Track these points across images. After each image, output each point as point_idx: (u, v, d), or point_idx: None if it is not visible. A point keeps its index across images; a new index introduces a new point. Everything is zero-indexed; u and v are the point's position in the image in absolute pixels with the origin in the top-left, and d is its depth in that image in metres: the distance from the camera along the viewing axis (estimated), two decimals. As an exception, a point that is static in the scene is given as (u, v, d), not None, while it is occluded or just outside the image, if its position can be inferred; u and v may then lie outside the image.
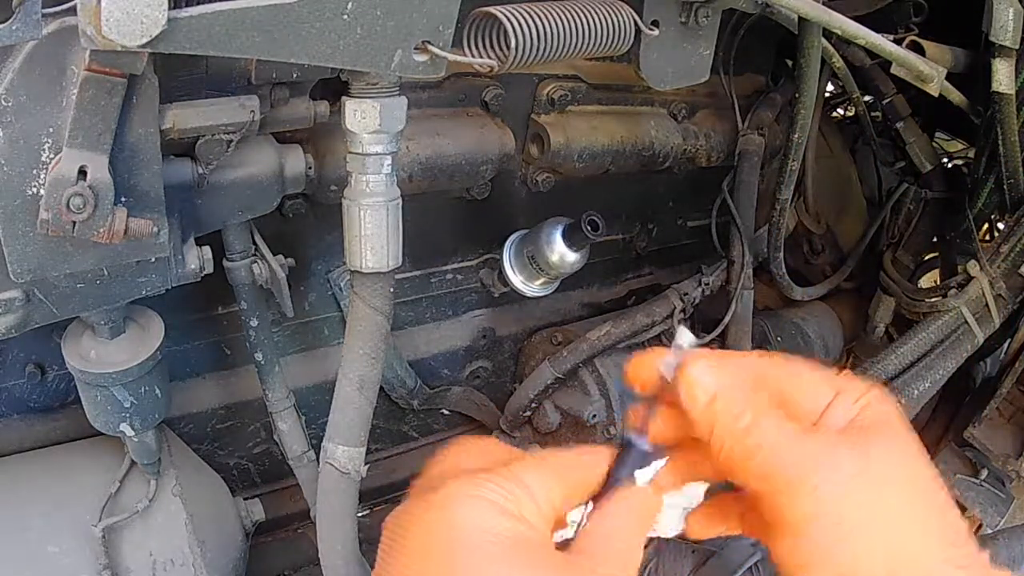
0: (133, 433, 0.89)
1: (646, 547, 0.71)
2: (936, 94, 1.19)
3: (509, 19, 0.73)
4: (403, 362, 1.27)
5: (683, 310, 1.38)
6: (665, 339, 1.41)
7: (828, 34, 1.17)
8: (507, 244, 1.25)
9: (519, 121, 1.17)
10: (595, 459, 0.55)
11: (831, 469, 0.48)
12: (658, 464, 0.56)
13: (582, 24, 0.78)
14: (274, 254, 0.98)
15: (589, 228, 1.13)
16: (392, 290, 0.86)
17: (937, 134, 1.71)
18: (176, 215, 0.76)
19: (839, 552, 0.48)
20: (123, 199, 0.65)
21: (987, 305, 1.33)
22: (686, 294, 1.38)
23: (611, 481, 0.55)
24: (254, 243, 0.96)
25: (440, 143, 1.06)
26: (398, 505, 0.52)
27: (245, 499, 1.10)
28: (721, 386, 0.52)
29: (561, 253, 1.18)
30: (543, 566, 0.48)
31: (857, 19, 1.01)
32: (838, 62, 1.33)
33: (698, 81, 0.97)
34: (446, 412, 1.43)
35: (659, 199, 1.51)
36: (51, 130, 0.61)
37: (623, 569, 0.51)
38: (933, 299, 1.38)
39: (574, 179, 1.26)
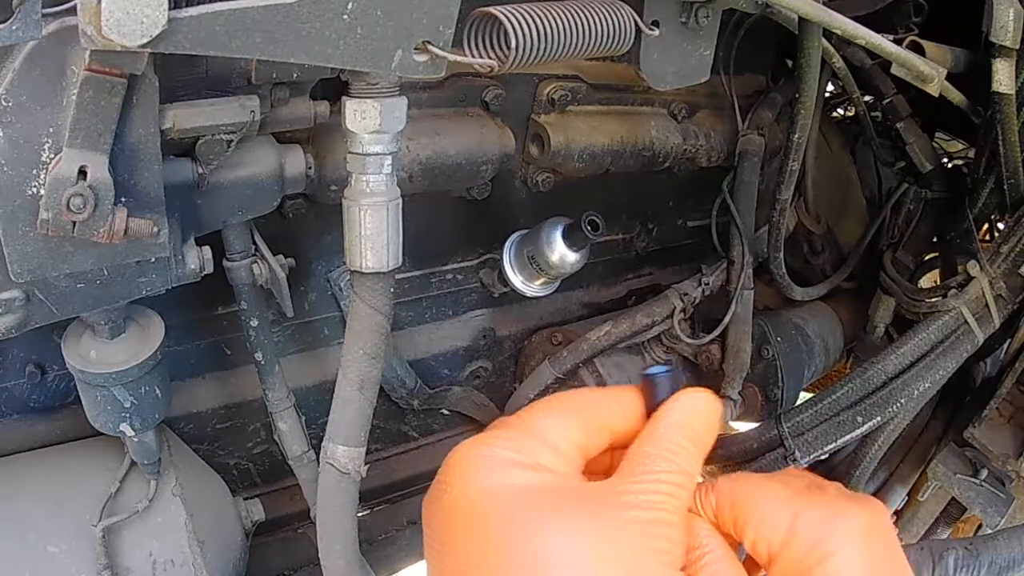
0: (133, 433, 0.89)
1: None
2: (936, 94, 1.19)
3: (509, 19, 0.73)
4: (403, 362, 1.27)
5: (683, 310, 1.38)
6: (665, 339, 1.41)
7: (828, 34, 1.17)
8: (507, 244, 1.25)
9: (519, 121, 1.17)
10: (614, 395, 0.55)
11: None
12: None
13: (582, 24, 0.78)
14: (274, 254, 0.98)
15: (589, 228, 1.13)
16: (392, 290, 0.86)
17: (937, 134, 1.71)
18: (176, 215, 0.76)
19: None
20: (123, 199, 0.65)
21: (987, 305, 1.33)
22: (686, 294, 1.38)
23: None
24: (254, 243, 0.96)
25: (440, 143, 1.06)
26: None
27: (245, 499, 1.10)
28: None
29: (561, 253, 1.18)
30: (568, 506, 0.47)
31: (857, 19, 1.01)
32: (838, 62, 1.33)
33: (698, 81, 0.97)
34: (446, 412, 1.43)
35: (659, 199, 1.51)
36: (51, 130, 0.61)
37: (664, 485, 0.49)
38: (933, 299, 1.38)
39: (574, 179, 1.26)
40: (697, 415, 0.54)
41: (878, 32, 1.04)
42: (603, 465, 0.57)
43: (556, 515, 0.46)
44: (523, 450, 0.50)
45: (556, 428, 0.52)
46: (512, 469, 0.48)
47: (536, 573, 0.44)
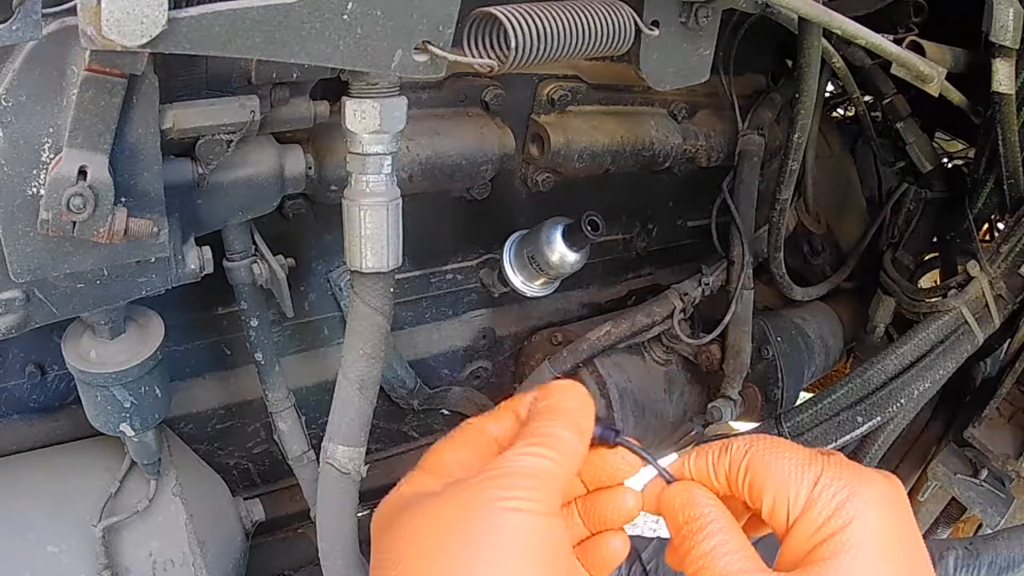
0: (133, 433, 0.89)
1: (645, 547, 0.72)
2: (936, 94, 1.19)
3: (509, 19, 0.73)
4: (403, 362, 1.27)
5: (683, 310, 1.38)
6: (665, 339, 1.41)
7: (828, 34, 1.17)
8: (507, 244, 1.25)
9: (519, 121, 1.17)
10: (497, 414, 0.61)
11: None
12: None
13: (582, 24, 0.78)
14: (274, 254, 0.98)
15: (589, 228, 1.13)
16: (392, 290, 0.86)
17: (937, 134, 1.71)
18: (176, 215, 0.76)
19: None
20: (123, 199, 0.65)
21: (987, 305, 1.33)
22: (686, 294, 1.38)
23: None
24: (254, 243, 0.96)
25: (440, 143, 1.06)
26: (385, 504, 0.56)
27: (245, 499, 1.10)
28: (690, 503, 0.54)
29: (561, 253, 1.18)
30: (430, 501, 0.53)
31: (857, 19, 1.01)
32: (838, 62, 1.33)
33: (698, 81, 0.97)
34: (446, 412, 1.43)
35: (659, 199, 1.51)
36: (51, 130, 0.61)
37: (521, 462, 0.52)
38: (933, 299, 1.38)
39: (574, 179, 1.26)
40: (570, 398, 0.57)
41: (878, 32, 1.04)
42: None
43: (418, 508, 0.52)
44: (414, 481, 0.56)
45: (443, 455, 0.58)
46: (403, 491, 0.55)
47: (396, 558, 0.51)
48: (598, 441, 0.59)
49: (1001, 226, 1.55)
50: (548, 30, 0.75)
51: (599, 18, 0.79)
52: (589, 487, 0.62)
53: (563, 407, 0.56)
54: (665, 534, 0.61)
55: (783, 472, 0.52)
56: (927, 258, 1.65)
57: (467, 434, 0.59)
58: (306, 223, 1.09)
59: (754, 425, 1.46)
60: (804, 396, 1.59)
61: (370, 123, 0.77)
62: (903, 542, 0.51)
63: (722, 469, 0.56)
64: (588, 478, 0.61)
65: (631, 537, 0.61)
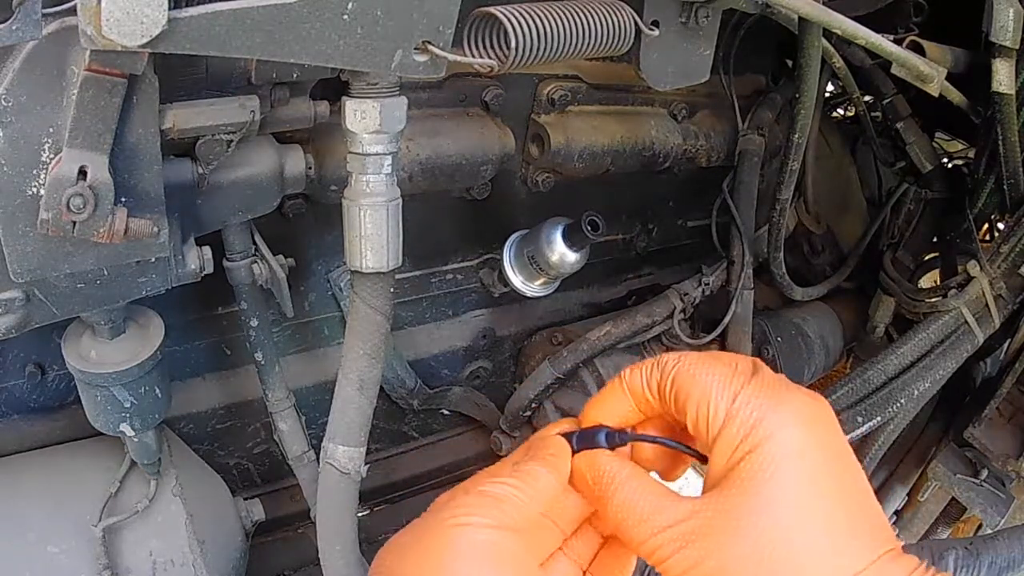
0: (133, 433, 0.89)
1: None
2: (936, 94, 1.19)
3: (509, 19, 0.73)
4: (403, 362, 1.27)
5: (683, 310, 1.38)
6: (665, 339, 1.41)
7: (828, 34, 1.17)
8: (507, 244, 1.25)
9: (519, 121, 1.17)
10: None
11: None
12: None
13: (582, 24, 0.78)
14: (274, 254, 0.98)
15: (589, 228, 1.13)
16: (392, 290, 0.86)
17: (937, 134, 1.71)
18: (176, 215, 0.76)
19: None
20: (123, 199, 0.65)
21: (987, 305, 1.33)
22: (686, 294, 1.38)
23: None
24: (254, 243, 0.96)
25: (440, 143, 1.06)
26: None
27: (245, 499, 1.10)
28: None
29: (561, 253, 1.18)
30: (405, 531, 0.55)
31: (857, 19, 1.01)
32: (838, 62, 1.33)
33: (698, 81, 0.97)
34: (446, 412, 1.43)
35: (659, 199, 1.51)
36: (51, 130, 0.61)
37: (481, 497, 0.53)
38: (933, 299, 1.38)
39: (574, 179, 1.26)
40: (535, 440, 0.59)
41: (878, 32, 1.04)
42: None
43: (388, 543, 0.54)
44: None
45: None
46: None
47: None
48: (579, 447, 0.59)
49: (1001, 226, 1.55)
50: (548, 30, 0.75)
51: (599, 18, 0.79)
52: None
53: (533, 443, 0.58)
54: None
55: (705, 385, 0.52)
56: (927, 258, 1.65)
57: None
58: (306, 223, 1.09)
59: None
60: (804, 396, 1.58)
61: (370, 123, 0.77)
62: (829, 461, 0.49)
63: (654, 383, 0.55)
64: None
65: None
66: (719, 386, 0.51)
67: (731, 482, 0.49)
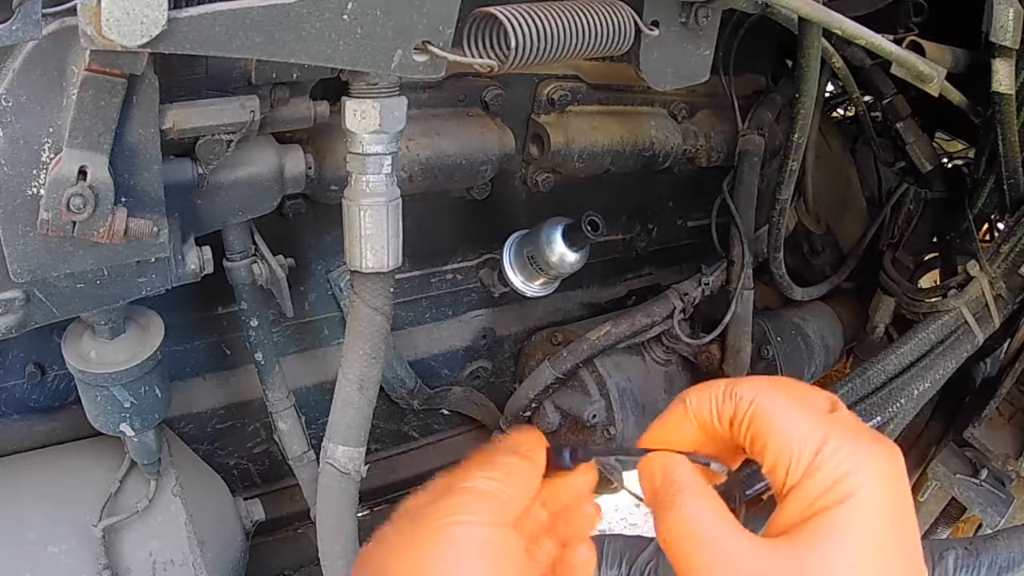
0: (133, 433, 0.89)
1: (645, 547, 0.73)
2: (936, 94, 1.19)
3: (509, 19, 0.73)
4: (403, 362, 1.27)
5: (683, 310, 1.38)
6: (665, 339, 1.41)
7: (828, 34, 1.17)
8: (507, 244, 1.25)
9: (519, 121, 1.17)
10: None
11: None
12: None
13: (582, 24, 0.78)
14: (274, 254, 0.98)
15: (589, 228, 1.12)
16: (392, 290, 0.86)
17: (937, 134, 1.71)
18: (176, 215, 0.76)
19: None
20: (123, 199, 0.65)
21: (987, 305, 1.33)
22: (686, 294, 1.38)
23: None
24: (254, 243, 0.96)
25: (440, 143, 1.06)
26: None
27: (245, 499, 1.10)
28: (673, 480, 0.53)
29: (561, 253, 1.18)
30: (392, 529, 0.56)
31: (857, 19, 1.01)
32: (838, 62, 1.33)
33: (698, 81, 0.97)
34: (446, 412, 1.43)
35: (659, 199, 1.51)
36: (51, 130, 0.61)
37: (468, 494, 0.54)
38: (933, 299, 1.38)
39: (574, 179, 1.26)
40: (513, 437, 0.60)
41: (878, 32, 1.04)
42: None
43: (374, 540, 0.55)
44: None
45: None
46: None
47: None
48: (556, 466, 0.61)
49: (1001, 226, 1.55)
50: (548, 30, 0.75)
51: (599, 18, 0.79)
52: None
53: (512, 442, 0.60)
54: None
55: (787, 431, 0.50)
56: (927, 258, 1.65)
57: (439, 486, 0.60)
58: (306, 223, 1.09)
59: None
60: (804, 396, 1.58)
61: (370, 123, 0.77)
62: (900, 523, 0.49)
63: (727, 415, 0.53)
64: (554, 508, 0.62)
65: (631, 537, 0.61)
66: (802, 435, 0.49)
67: (806, 535, 0.47)
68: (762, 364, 1.48)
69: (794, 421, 0.50)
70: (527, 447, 0.59)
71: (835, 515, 0.47)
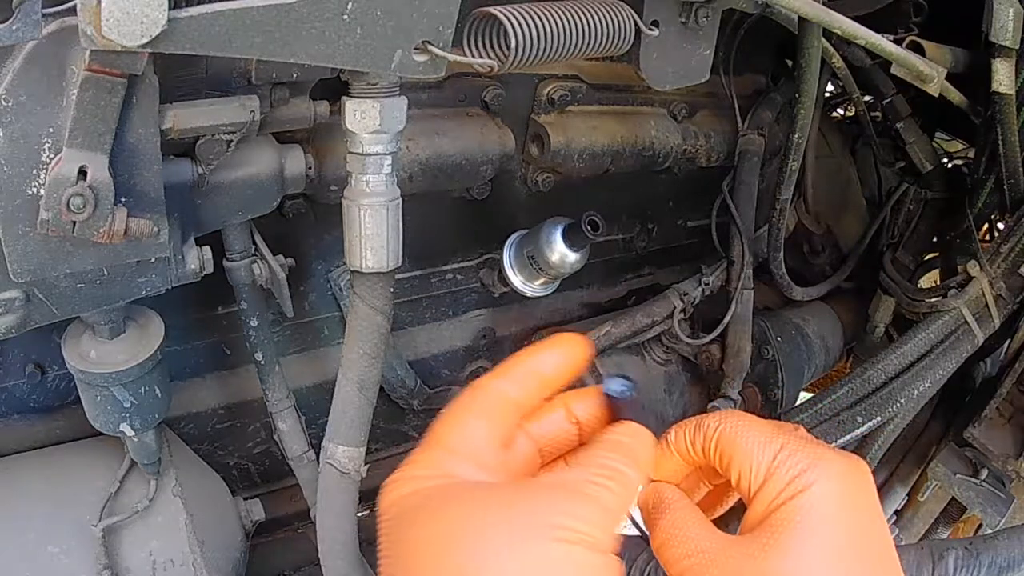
0: (133, 433, 0.89)
1: (644, 548, 0.73)
2: (936, 94, 1.19)
3: (509, 19, 0.73)
4: (403, 362, 1.27)
5: (683, 310, 1.38)
6: (665, 339, 1.41)
7: (828, 34, 1.17)
8: (507, 244, 1.25)
9: (519, 121, 1.17)
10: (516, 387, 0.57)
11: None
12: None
13: (582, 24, 0.78)
14: (274, 254, 0.98)
15: (589, 228, 1.12)
16: (392, 290, 0.86)
17: (937, 134, 1.71)
18: (176, 215, 0.76)
19: None
20: (123, 199, 0.65)
21: (987, 305, 1.33)
22: (686, 294, 1.38)
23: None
24: (254, 243, 0.96)
25: (440, 143, 1.06)
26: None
27: (245, 499, 1.10)
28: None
29: (561, 253, 1.18)
30: (459, 501, 0.47)
31: (857, 19, 1.01)
32: (838, 62, 1.33)
33: (698, 81, 0.97)
34: (446, 412, 1.43)
35: (659, 199, 1.51)
36: (51, 130, 0.61)
37: (597, 508, 0.48)
38: (933, 299, 1.38)
39: (574, 179, 1.26)
40: (640, 444, 0.56)
41: (878, 32, 1.04)
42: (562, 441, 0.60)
43: (450, 509, 0.46)
44: (433, 463, 0.51)
45: (465, 429, 0.53)
46: (419, 475, 0.50)
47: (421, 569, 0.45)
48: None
49: (1001, 226, 1.55)
50: (548, 30, 0.75)
51: (599, 18, 0.79)
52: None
53: (630, 447, 0.55)
54: None
55: (747, 446, 0.55)
56: (927, 258, 1.65)
57: (486, 401, 0.55)
58: (306, 223, 1.09)
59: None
60: (804, 396, 1.59)
61: (370, 123, 0.77)
62: (862, 522, 0.51)
63: (698, 443, 0.58)
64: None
65: (632, 538, 0.61)
66: (760, 446, 0.54)
67: (767, 527, 0.51)
68: (762, 364, 1.48)
69: (753, 435, 0.55)
70: (642, 451, 0.55)
71: (792, 507, 0.51)
